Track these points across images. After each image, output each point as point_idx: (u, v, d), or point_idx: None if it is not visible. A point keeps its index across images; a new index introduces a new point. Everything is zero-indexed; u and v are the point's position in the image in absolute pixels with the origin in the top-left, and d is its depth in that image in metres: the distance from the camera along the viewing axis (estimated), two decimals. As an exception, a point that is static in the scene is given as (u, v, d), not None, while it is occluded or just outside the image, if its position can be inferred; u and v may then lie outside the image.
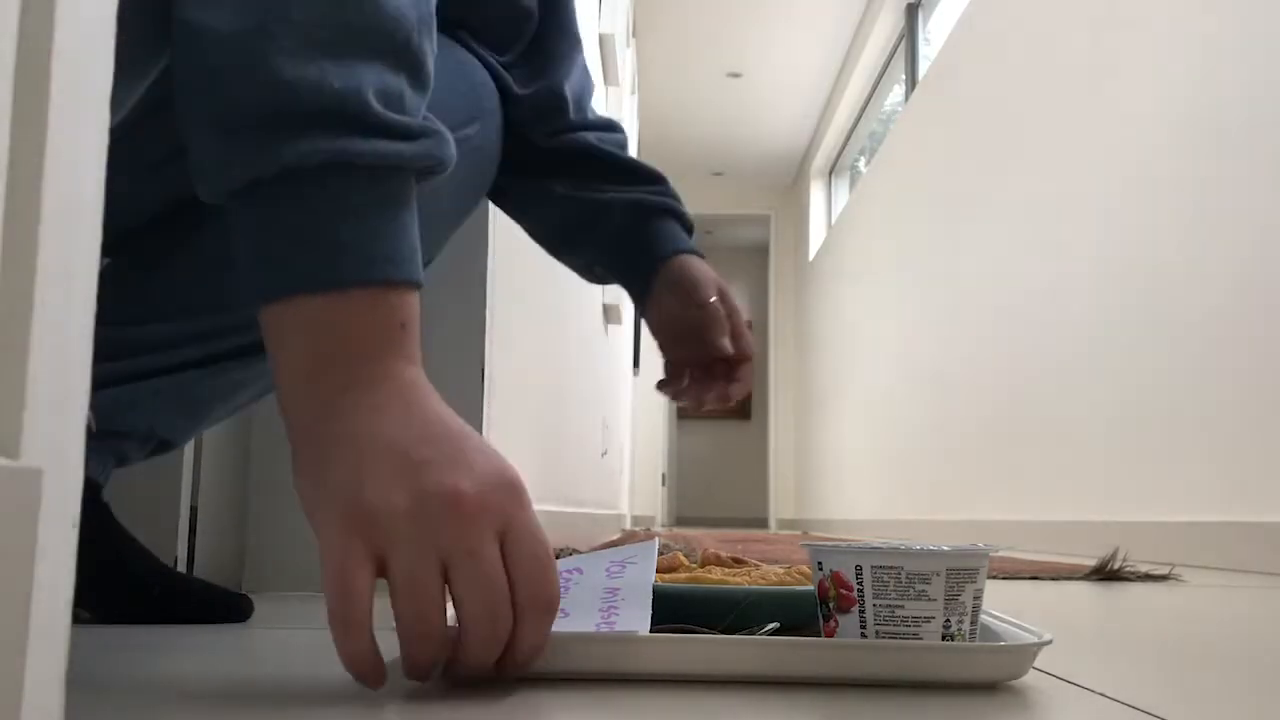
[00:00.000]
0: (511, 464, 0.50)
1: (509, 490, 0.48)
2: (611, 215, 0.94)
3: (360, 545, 0.45)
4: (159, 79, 0.66)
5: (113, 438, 0.81)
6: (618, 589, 0.60)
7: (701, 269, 0.94)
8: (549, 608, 0.48)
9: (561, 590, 0.51)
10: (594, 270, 0.99)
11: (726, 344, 0.91)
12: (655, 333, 0.94)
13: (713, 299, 0.91)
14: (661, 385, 0.95)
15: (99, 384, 0.79)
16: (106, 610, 0.82)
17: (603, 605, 0.57)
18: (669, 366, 0.95)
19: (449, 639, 0.47)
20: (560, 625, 0.52)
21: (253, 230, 0.50)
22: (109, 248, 0.82)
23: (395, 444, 0.48)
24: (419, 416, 0.49)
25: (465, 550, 0.46)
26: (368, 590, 0.45)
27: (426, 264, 0.93)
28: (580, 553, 1.77)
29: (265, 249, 0.50)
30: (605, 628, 0.54)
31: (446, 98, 0.85)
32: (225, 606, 0.85)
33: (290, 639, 0.76)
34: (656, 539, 0.63)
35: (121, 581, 0.82)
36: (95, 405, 0.79)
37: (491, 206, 1.20)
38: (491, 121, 0.88)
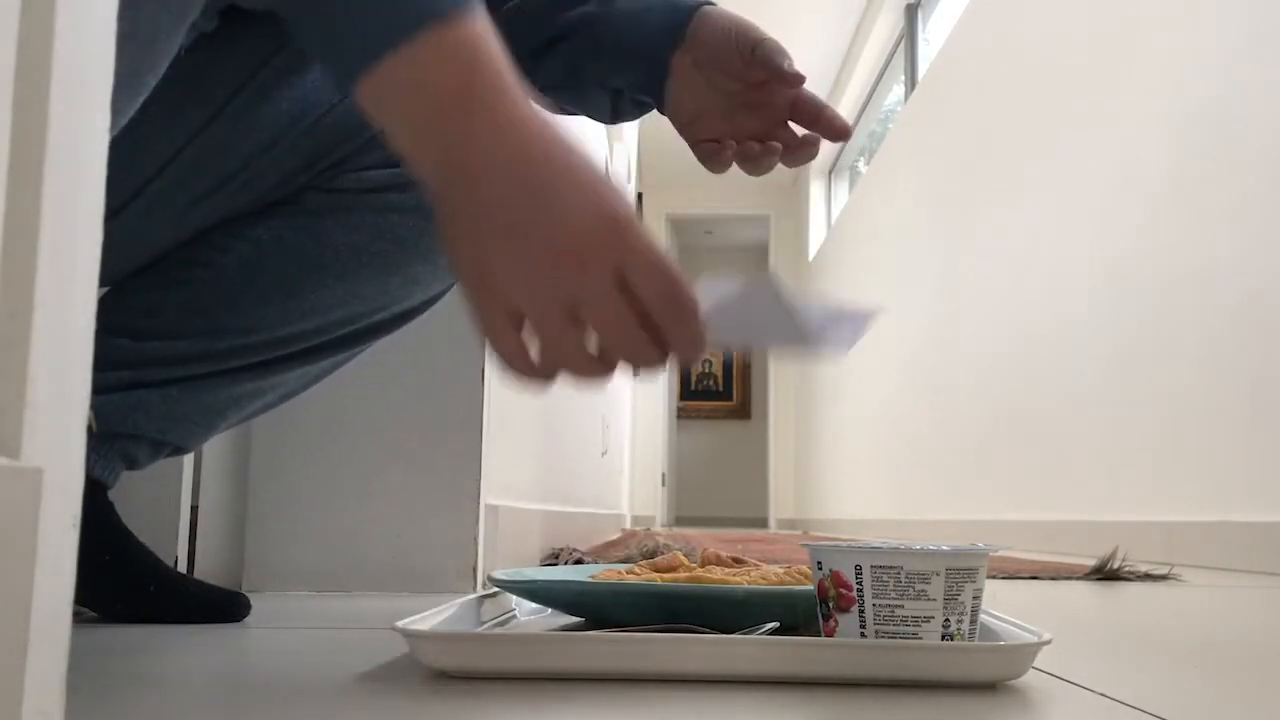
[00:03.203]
0: (615, 195, 0.51)
1: (609, 233, 0.49)
2: (603, 24, 0.81)
3: (496, 312, 0.51)
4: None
5: (122, 439, 0.81)
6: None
7: (725, 17, 0.78)
8: (684, 313, 0.50)
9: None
10: (606, 88, 0.83)
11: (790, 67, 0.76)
12: (689, 120, 0.79)
13: (763, 39, 0.77)
14: (707, 155, 0.79)
15: (111, 389, 0.80)
16: (106, 610, 0.83)
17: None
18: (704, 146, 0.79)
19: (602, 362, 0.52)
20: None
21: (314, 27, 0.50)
22: (140, 269, 0.82)
23: (492, 212, 0.50)
24: (506, 173, 0.50)
25: (581, 301, 0.49)
26: (517, 343, 0.51)
27: (443, 291, 0.90)
28: (580, 552, 1.77)
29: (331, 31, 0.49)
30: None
31: None
32: (223, 606, 0.85)
33: (290, 639, 0.76)
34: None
35: (121, 581, 0.82)
36: (104, 407, 0.79)
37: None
38: None
